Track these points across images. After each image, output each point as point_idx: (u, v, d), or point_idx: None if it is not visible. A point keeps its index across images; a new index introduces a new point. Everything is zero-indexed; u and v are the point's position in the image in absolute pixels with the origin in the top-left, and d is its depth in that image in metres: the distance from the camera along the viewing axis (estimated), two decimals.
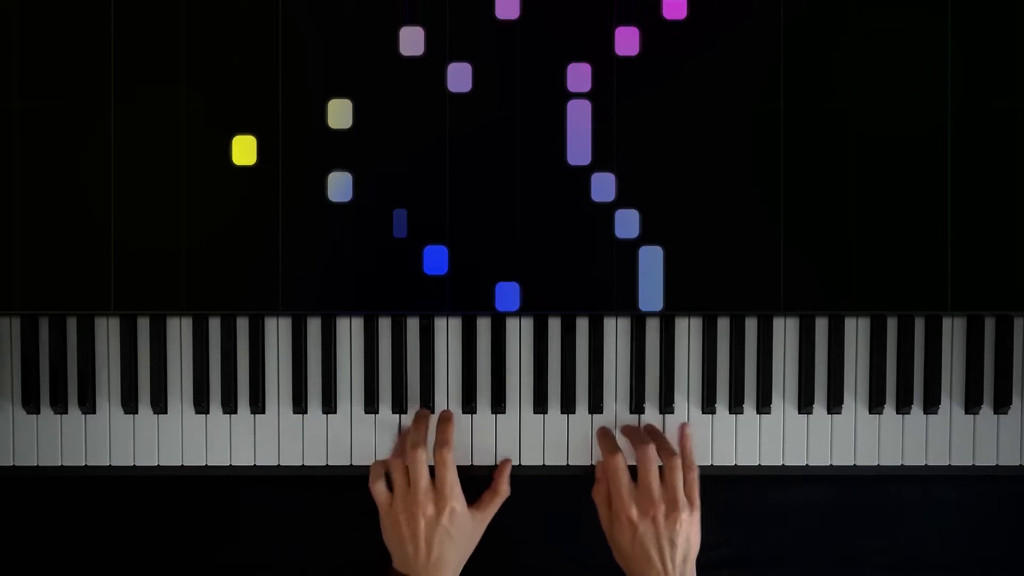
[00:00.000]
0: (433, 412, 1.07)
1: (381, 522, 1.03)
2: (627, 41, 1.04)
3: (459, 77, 1.04)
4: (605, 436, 1.05)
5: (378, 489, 1.03)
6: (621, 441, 1.05)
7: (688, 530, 1.00)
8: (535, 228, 1.04)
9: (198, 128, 1.04)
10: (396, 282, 1.04)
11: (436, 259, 1.04)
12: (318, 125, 1.04)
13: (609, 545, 1.03)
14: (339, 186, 1.04)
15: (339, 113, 1.04)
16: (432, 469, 1.02)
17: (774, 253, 1.05)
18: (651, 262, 1.04)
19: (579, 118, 1.04)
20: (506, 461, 1.07)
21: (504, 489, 1.06)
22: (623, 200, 1.04)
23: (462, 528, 1.01)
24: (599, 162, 1.04)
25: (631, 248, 1.04)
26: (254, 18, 1.04)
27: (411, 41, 1.04)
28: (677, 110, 1.04)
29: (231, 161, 1.04)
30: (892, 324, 1.07)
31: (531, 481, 1.08)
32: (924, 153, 1.04)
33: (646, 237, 1.04)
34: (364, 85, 1.04)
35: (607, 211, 1.04)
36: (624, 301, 1.04)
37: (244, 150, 1.03)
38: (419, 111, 1.04)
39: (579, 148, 1.04)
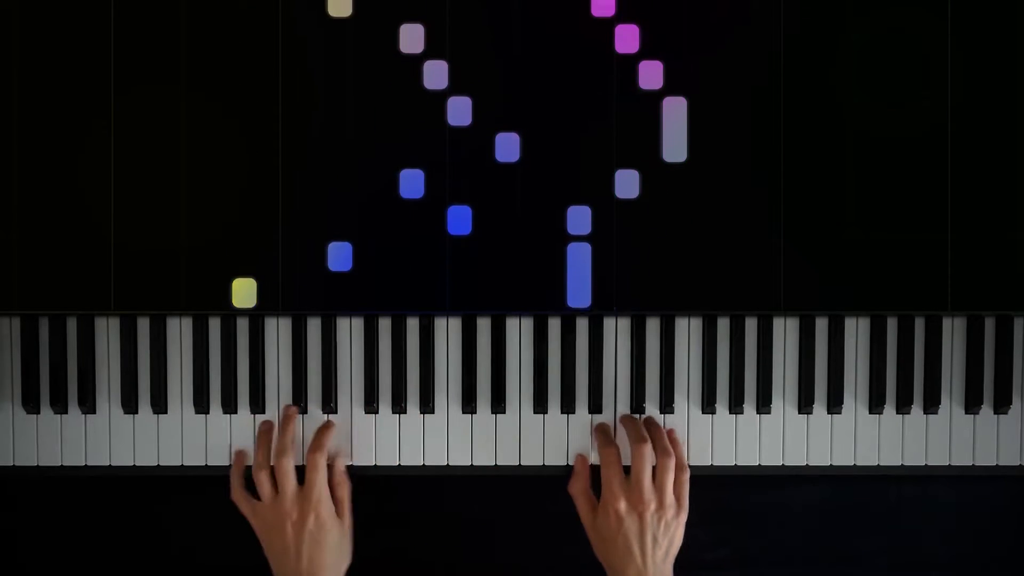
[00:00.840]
0: (434, 412, 1.07)
1: (257, 535, 1.03)
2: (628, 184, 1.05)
3: (459, 220, 1.04)
4: (603, 429, 1.06)
5: (239, 497, 1.03)
6: (618, 433, 1.06)
7: (673, 530, 1.00)
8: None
9: (198, 128, 1.04)
10: None
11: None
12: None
13: (589, 537, 1.03)
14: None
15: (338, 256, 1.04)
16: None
17: (774, 253, 1.05)
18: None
19: (579, 260, 1.05)
20: (336, 457, 1.05)
21: (341, 495, 1.04)
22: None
23: (331, 534, 1.01)
24: (599, 304, 1.05)
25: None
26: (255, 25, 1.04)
27: (411, 184, 1.04)
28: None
29: (232, 157, 1.04)
30: (892, 324, 1.07)
31: (531, 481, 1.08)
32: (924, 153, 1.04)
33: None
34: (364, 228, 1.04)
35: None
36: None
37: (244, 292, 1.04)
38: (419, 253, 1.04)
39: (579, 290, 1.05)
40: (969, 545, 1.12)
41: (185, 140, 1.04)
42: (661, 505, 1.00)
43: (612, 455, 1.02)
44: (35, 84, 1.03)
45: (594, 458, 1.07)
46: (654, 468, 1.01)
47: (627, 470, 1.02)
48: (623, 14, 1.04)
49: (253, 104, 1.04)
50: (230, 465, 1.07)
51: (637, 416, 1.07)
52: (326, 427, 1.06)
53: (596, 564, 1.03)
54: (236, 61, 1.04)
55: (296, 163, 1.04)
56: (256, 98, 1.04)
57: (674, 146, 1.05)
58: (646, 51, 1.04)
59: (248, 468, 1.04)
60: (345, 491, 1.04)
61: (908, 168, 1.04)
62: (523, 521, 1.11)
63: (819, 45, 1.04)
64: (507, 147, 1.04)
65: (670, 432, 1.06)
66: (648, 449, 1.01)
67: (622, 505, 1.00)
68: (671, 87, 1.04)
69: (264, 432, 1.05)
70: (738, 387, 1.07)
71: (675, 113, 1.04)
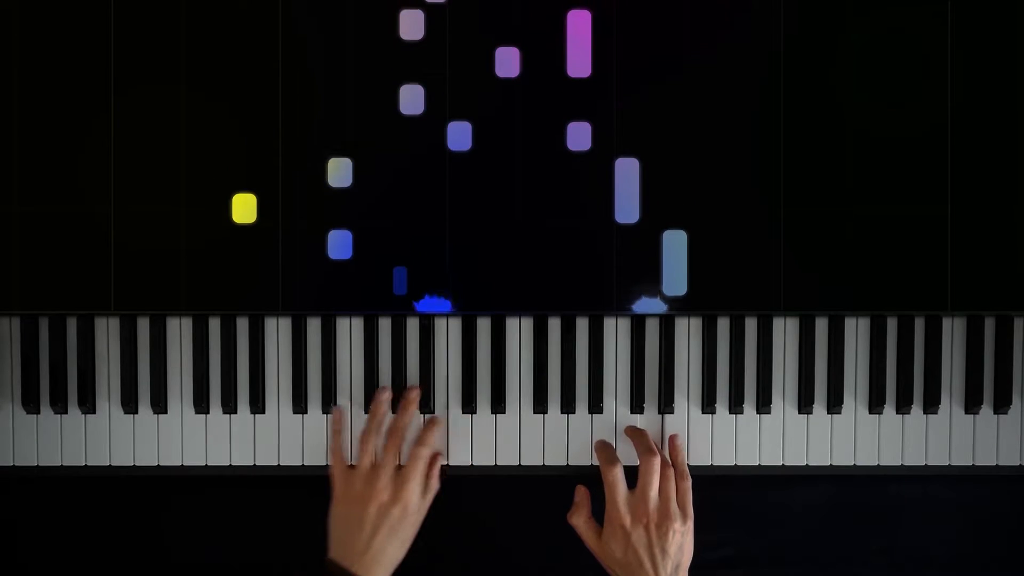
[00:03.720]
0: (433, 412, 1.07)
1: (333, 501, 1.02)
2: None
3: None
4: (604, 446, 1.06)
5: (337, 460, 1.03)
6: (621, 445, 1.06)
7: (681, 540, 1.00)
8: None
9: (198, 127, 1.04)
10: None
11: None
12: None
13: (600, 561, 1.03)
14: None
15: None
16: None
17: (774, 253, 1.05)
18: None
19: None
20: (436, 456, 1.06)
21: (434, 484, 1.05)
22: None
23: (406, 527, 1.01)
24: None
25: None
26: (254, 21, 1.04)
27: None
28: (678, 114, 1.04)
29: (232, 157, 1.04)
30: (892, 324, 1.07)
31: (531, 481, 1.08)
32: (924, 153, 1.04)
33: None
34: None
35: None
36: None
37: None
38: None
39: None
40: (969, 545, 1.12)
41: (185, 140, 1.04)
42: (666, 516, 1.00)
43: (616, 473, 1.02)
44: (35, 84, 1.03)
45: (595, 459, 1.07)
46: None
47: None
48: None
49: (253, 103, 1.04)
50: (230, 465, 1.07)
51: (639, 421, 1.07)
52: (434, 423, 1.06)
53: (595, 565, 1.03)
54: (236, 60, 1.04)
55: (297, 162, 1.04)
56: (256, 97, 1.04)
57: (675, 144, 1.05)
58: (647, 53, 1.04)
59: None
60: (431, 494, 1.05)
61: (908, 168, 1.04)
62: (523, 521, 1.11)
63: (819, 45, 1.04)
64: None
65: (672, 439, 1.06)
66: (657, 461, 1.01)
67: (628, 520, 1.00)
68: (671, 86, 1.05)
69: (382, 401, 1.05)
70: (738, 387, 1.07)
71: (675, 109, 1.05)
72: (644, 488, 1.00)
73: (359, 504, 1.01)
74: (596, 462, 1.06)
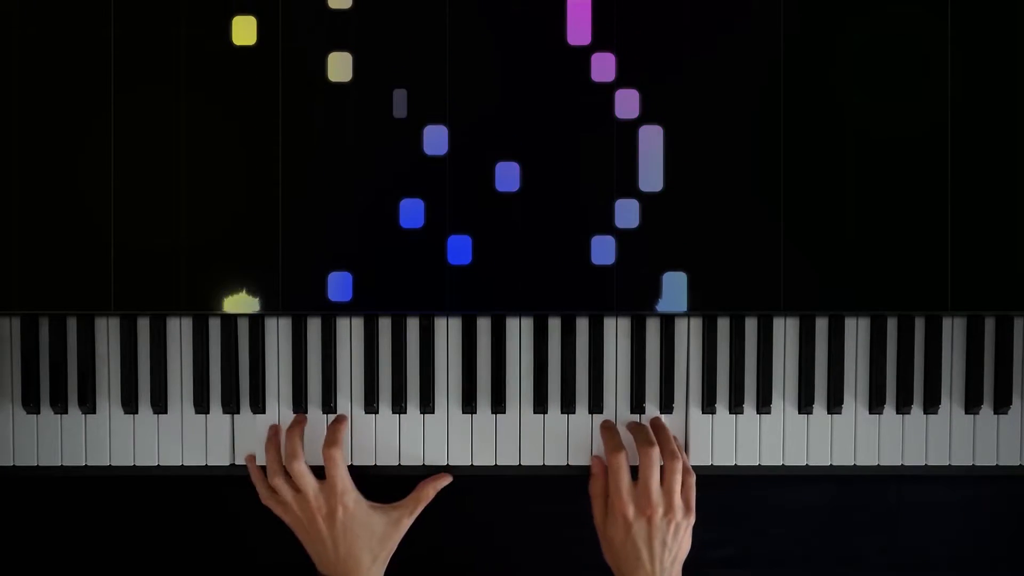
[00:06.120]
0: (434, 412, 1.07)
1: (291, 528, 1.04)
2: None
3: None
4: (609, 432, 1.05)
5: (269, 500, 1.04)
6: (625, 437, 1.06)
7: (682, 533, 1.01)
8: None
9: (198, 127, 1.04)
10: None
11: None
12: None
13: (600, 540, 1.03)
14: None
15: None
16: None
17: (774, 253, 1.05)
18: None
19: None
20: (442, 476, 1.07)
21: (425, 495, 1.05)
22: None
23: (364, 522, 1.02)
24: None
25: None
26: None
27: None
28: (678, 112, 1.04)
29: (231, 158, 1.04)
30: (892, 324, 1.07)
31: (532, 481, 1.08)
32: (924, 153, 1.04)
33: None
34: None
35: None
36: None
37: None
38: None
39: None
40: (969, 545, 1.12)
41: (185, 140, 1.04)
42: (670, 508, 1.00)
43: (620, 460, 1.02)
44: (35, 84, 1.03)
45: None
46: (661, 471, 1.02)
47: (634, 472, 1.02)
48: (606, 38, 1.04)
49: (253, 103, 1.04)
50: (231, 464, 1.07)
51: (640, 420, 1.07)
52: (339, 421, 1.06)
53: (597, 564, 1.03)
54: (236, 60, 1.04)
55: (296, 161, 1.04)
56: (256, 97, 1.04)
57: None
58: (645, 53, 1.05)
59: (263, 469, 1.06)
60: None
61: (908, 168, 1.04)
62: (523, 521, 1.11)
63: (819, 45, 1.04)
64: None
65: (674, 439, 1.06)
66: (656, 453, 1.01)
67: (631, 511, 1.00)
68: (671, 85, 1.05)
69: (271, 437, 1.06)
70: (738, 387, 1.07)
71: (676, 113, 1.05)
72: (646, 479, 1.00)
73: (310, 525, 1.02)
74: (594, 456, 1.06)
